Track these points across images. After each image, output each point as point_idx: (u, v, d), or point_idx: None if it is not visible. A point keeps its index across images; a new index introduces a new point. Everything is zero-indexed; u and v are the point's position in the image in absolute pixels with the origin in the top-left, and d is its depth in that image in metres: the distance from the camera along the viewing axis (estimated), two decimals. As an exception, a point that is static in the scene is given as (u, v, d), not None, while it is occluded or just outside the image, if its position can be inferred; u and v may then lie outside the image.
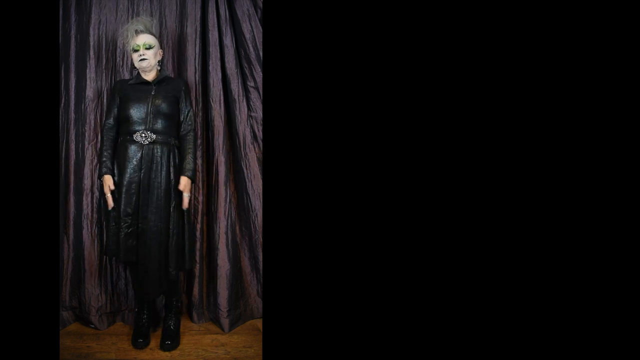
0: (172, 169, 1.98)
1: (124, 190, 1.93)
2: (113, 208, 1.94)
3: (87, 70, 2.20)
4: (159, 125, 1.98)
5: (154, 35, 2.07)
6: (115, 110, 2.04)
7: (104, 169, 1.97)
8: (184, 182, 2.00)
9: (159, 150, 1.96)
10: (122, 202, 1.93)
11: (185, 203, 2.00)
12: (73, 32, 2.20)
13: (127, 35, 2.04)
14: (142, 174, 1.94)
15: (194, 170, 2.05)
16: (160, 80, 2.05)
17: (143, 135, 1.95)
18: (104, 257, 2.19)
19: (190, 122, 2.09)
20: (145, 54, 2.00)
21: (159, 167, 1.95)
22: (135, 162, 1.94)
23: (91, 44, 2.20)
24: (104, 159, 1.99)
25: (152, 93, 2.00)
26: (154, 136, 1.95)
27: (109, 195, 1.93)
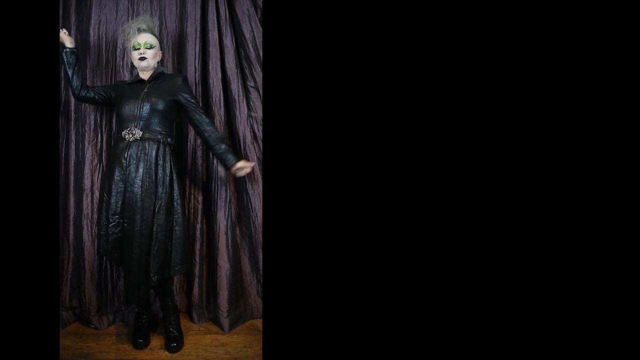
0: (159, 167, 1.91)
1: (112, 188, 1.91)
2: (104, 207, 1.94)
3: (87, 70, 2.20)
4: (149, 122, 1.93)
5: (156, 36, 2.06)
6: (101, 89, 2.09)
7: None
8: (240, 164, 2.03)
9: (147, 147, 1.90)
10: (112, 201, 1.90)
11: (241, 170, 2.05)
12: (73, 32, 2.20)
13: (129, 33, 2.03)
14: (127, 172, 1.90)
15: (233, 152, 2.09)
16: (154, 77, 2.01)
17: (130, 132, 1.90)
18: (104, 257, 2.19)
19: (207, 121, 2.07)
20: (146, 53, 1.98)
21: (146, 165, 1.89)
22: (122, 160, 1.91)
23: (91, 44, 2.21)
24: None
25: (145, 90, 1.97)
26: (140, 133, 1.90)
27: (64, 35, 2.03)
